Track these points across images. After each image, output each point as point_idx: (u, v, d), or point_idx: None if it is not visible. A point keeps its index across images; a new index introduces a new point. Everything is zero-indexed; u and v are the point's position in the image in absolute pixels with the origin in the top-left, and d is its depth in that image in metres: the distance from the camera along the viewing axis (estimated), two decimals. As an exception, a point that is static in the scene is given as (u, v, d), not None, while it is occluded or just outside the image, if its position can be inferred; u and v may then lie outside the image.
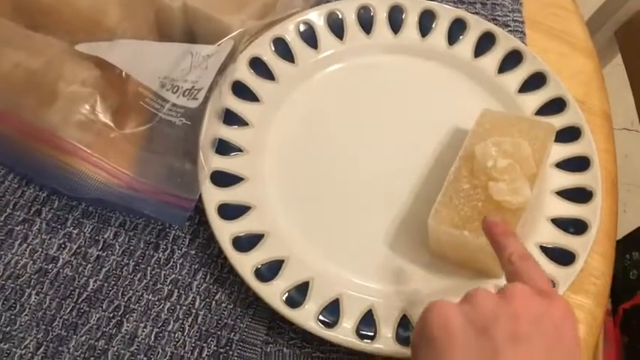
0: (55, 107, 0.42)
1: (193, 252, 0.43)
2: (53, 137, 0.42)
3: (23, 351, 0.40)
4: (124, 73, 0.43)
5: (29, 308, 0.41)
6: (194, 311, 0.41)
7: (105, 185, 0.41)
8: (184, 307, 0.41)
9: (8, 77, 0.44)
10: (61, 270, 0.42)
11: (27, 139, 0.42)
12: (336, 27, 0.50)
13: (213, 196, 0.42)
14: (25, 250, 0.43)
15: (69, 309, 0.41)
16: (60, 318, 0.41)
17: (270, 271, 0.40)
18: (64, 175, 0.42)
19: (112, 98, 0.43)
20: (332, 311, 0.38)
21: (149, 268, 0.42)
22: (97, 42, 0.43)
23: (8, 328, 0.40)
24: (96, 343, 0.40)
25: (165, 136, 0.43)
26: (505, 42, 0.49)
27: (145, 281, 0.42)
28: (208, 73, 0.43)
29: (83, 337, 0.40)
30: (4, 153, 0.44)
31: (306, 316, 0.38)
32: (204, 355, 0.40)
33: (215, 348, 0.40)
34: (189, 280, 0.42)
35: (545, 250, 0.40)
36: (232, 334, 0.40)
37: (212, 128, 0.44)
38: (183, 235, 0.44)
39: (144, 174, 0.42)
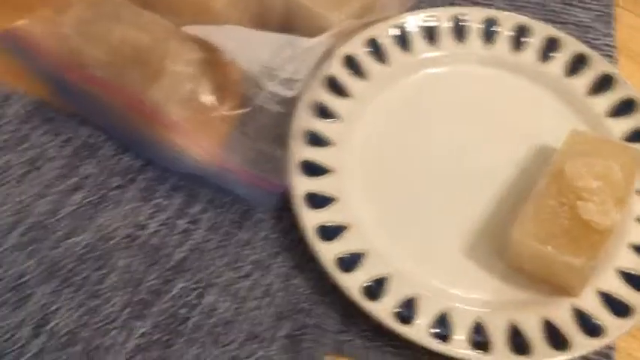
0: (158, 84, 0.44)
1: (275, 236, 0.45)
2: (155, 112, 0.44)
3: (110, 310, 0.42)
4: (227, 57, 0.44)
5: (118, 270, 0.43)
6: (272, 292, 0.43)
7: (199, 162, 0.43)
8: (262, 288, 0.43)
9: (116, 51, 0.46)
10: (149, 238, 0.44)
11: (129, 110, 0.45)
12: (430, 33, 0.51)
13: (300, 185, 0.43)
14: (117, 215, 0.45)
15: (154, 275, 0.43)
16: (145, 283, 0.43)
17: (350, 262, 0.41)
18: (162, 148, 0.44)
19: (213, 80, 0.45)
20: (407, 309, 0.40)
21: (232, 246, 0.44)
22: (204, 25, 0.45)
23: (97, 287, 0.42)
24: (178, 311, 0.42)
25: (260, 122, 0.44)
26: (597, 65, 0.50)
27: (227, 258, 0.44)
28: (306, 65, 0.45)
29: (166, 304, 0.42)
30: (105, 121, 0.47)
31: (382, 310, 0.39)
32: (279, 335, 0.41)
33: (290, 330, 0.41)
34: (269, 262, 0.44)
35: (624, 275, 0.40)
36: (308, 318, 0.42)
37: (304, 119, 0.45)
38: (266, 218, 0.45)
39: (236, 155, 0.44)
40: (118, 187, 0.46)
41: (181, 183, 0.46)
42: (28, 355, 0.40)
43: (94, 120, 0.47)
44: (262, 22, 0.50)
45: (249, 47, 0.44)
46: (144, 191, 0.46)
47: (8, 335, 0.40)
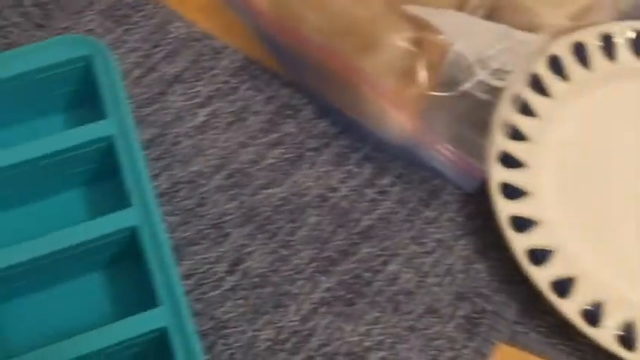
0: (373, 55, 0.46)
1: (460, 219, 0.46)
2: (367, 80, 0.45)
3: (298, 261, 0.44)
4: (442, 39, 0.46)
5: (308, 226, 0.45)
6: (453, 273, 0.44)
7: (402, 133, 0.45)
8: (444, 266, 0.44)
9: (334, 19, 0.48)
10: (339, 201, 0.46)
11: (340, 76, 0.47)
12: (638, 45, 0.50)
13: (497, 174, 0.44)
14: (311, 175, 0.47)
15: (342, 237, 0.45)
16: (333, 242, 0.45)
17: (540, 256, 0.42)
18: (367, 116, 0.46)
19: (425, 59, 0.46)
20: (595, 310, 0.40)
21: (418, 221, 0.46)
22: (425, 6, 0.46)
23: (288, 238, 0.45)
24: (362, 274, 0.44)
25: (464, 106, 0.46)
26: None
27: (412, 232, 0.45)
28: (518, 59, 0.46)
29: (351, 265, 0.44)
30: (311, 84, 0.49)
31: (570, 307, 0.40)
32: (457, 315, 0.43)
33: (469, 312, 0.43)
34: (453, 243, 0.45)
35: None
36: (487, 304, 0.43)
37: (506, 111, 0.46)
38: (452, 201, 0.46)
39: (439, 134, 0.45)
40: (313, 149, 0.48)
41: (373, 154, 0.48)
42: (223, 289, 0.43)
43: (300, 82, 0.50)
44: (463, 6, 0.51)
45: (467, 33, 0.45)
46: (337, 157, 0.48)
47: (207, 267, 0.44)
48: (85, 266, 0.41)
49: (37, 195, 0.43)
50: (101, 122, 0.41)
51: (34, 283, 0.40)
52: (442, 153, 0.44)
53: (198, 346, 0.36)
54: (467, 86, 0.45)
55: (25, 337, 0.40)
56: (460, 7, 0.49)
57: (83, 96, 0.45)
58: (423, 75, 0.46)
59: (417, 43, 0.46)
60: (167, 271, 0.37)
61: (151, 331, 0.36)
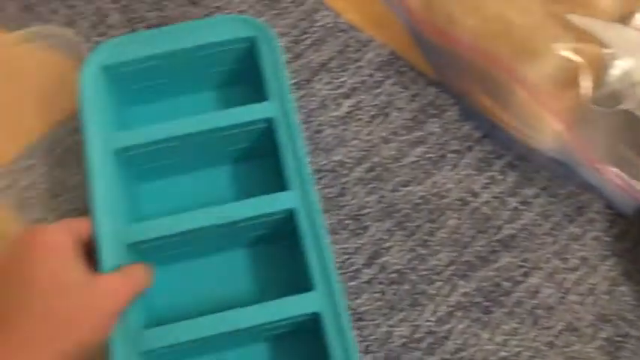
0: (529, 62, 0.45)
1: (607, 239, 0.44)
2: (523, 84, 0.45)
3: (436, 262, 0.44)
4: (607, 53, 0.44)
5: (447, 228, 0.45)
6: (597, 293, 0.43)
7: (558, 141, 0.44)
8: (588, 285, 0.43)
9: (489, 23, 0.47)
10: (480, 206, 0.46)
11: (493, 79, 0.46)
12: None
13: (654, 197, 0.43)
14: (453, 177, 0.47)
15: (482, 243, 0.44)
16: (472, 247, 0.44)
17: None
18: (520, 119, 0.45)
19: (587, 71, 0.45)
20: None
21: (562, 236, 0.44)
22: (591, 18, 0.45)
23: (427, 238, 0.45)
24: (502, 283, 0.43)
25: (623, 123, 0.44)
26: None
27: (555, 247, 0.44)
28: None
29: (491, 273, 0.43)
30: (459, 85, 0.48)
31: None
32: (599, 336, 0.41)
33: (611, 335, 0.41)
34: (598, 262, 0.44)
35: None
36: (631, 329, 0.41)
37: (665, 133, 0.45)
38: (599, 219, 0.45)
39: (595, 148, 0.44)
40: (456, 151, 0.48)
41: (517, 163, 0.47)
42: (360, 280, 0.43)
43: (447, 81, 0.49)
44: (627, 20, 0.49)
45: (634, 50, 0.44)
46: (480, 161, 0.47)
47: (345, 257, 0.44)
48: (236, 242, 0.41)
49: (191, 167, 0.44)
50: (264, 103, 0.41)
51: (186, 252, 0.41)
52: (603, 172, 0.42)
53: (351, 332, 0.36)
54: (629, 104, 0.44)
55: (170, 301, 0.41)
56: (623, 20, 0.47)
57: (239, 75, 0.46)
58: (585, 86, 0.44)
59: (578, 53, 0.45)
60: (323, 255, 0.37)
61: (304, 315, 0.36)
